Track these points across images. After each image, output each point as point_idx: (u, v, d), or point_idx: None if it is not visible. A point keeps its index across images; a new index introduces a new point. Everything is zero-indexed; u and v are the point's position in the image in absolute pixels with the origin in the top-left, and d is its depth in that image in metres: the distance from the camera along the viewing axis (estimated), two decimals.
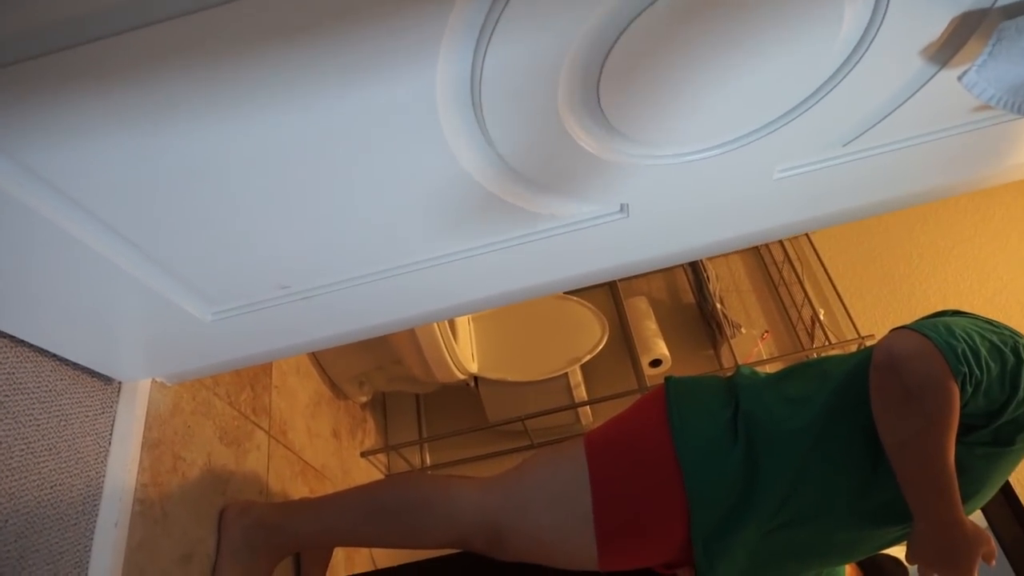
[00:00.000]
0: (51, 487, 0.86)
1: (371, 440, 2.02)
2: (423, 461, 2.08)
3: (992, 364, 0.92)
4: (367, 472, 1.92)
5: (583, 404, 1.94)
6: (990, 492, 1.04)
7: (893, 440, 0.94)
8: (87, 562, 0.88)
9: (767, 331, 2.03)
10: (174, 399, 1.12)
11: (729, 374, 1.20)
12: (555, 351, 1.97)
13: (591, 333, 1.99)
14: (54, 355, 0.91)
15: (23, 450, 0.83)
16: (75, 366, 0.94)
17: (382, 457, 2.03)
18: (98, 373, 0.98)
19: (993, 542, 0.94)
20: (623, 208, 0.84)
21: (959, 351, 0.90)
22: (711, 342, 2.10)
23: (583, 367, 1.97)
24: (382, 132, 0.65)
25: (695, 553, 1.07)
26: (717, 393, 1.14)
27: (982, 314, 1.06)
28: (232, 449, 1.27)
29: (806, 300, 1.97)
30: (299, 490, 1.48)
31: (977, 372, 0.90)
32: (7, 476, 0.80)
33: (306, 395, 1.66)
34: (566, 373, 1.93)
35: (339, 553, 1.60)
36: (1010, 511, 1.70)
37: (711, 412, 1.10)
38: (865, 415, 0.98)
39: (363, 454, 1.92)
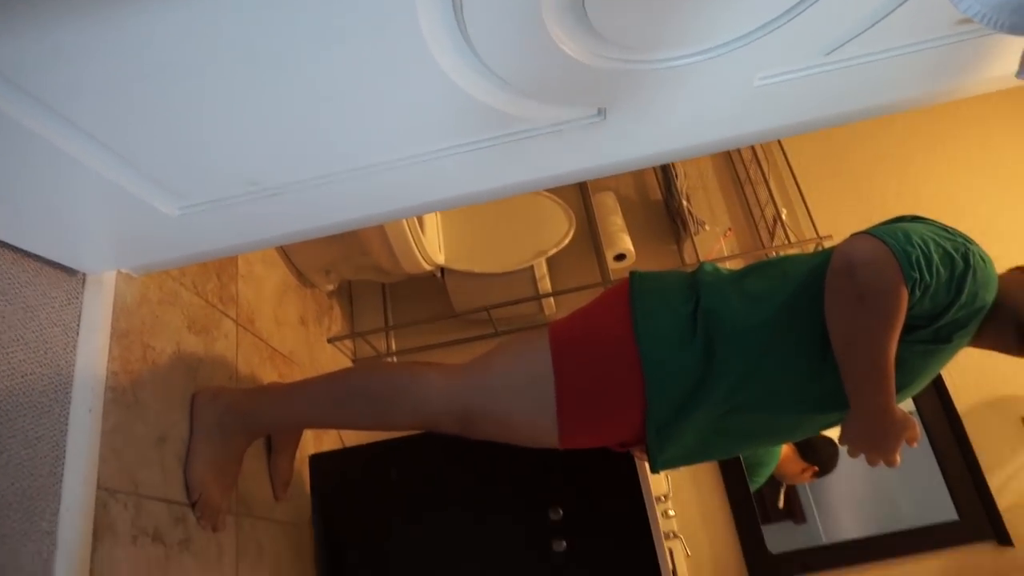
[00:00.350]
0: (22, 376, 0.86)
1: (337, 327, 2.04)
2: (389, 347, 2.13)
3: (942, 270, 0.97)
4: (334, 358, 1.96)
5: (547, 296, 1.98)
6: (924, 383, 1.12)
7: (841, 339, 0.99)
8: (64, 445, 0.90)
9: (730, 229, 2.07)
10: (141, 290, 1.11)
11: (692, 270, 1.23)
12: (522, 243, 1.99)
13: (558, 226, 2.00)
14: (13, 247, 0.88)
15: None
16: (37, 258, 0.92)
17: (349, 343, 2.06)
18: (61, 265, 0.96)
19: (918, 427, 1.03)
20: (600, 112, 0.83)
21: (913, 258, 0.94)
22: (675, 238, 2.13)
23: (548, 259, 2.00)
24: (357, 20, 0.61)
25: (647, 437, 1.14)
26: (680, 289, 1.17)
27: (937, 219, 1.10)
28: (201, 337, 1.27)
29: (770, 199, 2.00)
30: (268, 375, 1.51)
31: (927, 278, 0.95)
32: None
33: (272, 284, 1.66)
34: (532, 265, 1.96)
35: (308, 432, 1.66)
36: (938, 398, 1.84)
37: (673, 308, 1.13)
38: (819, 315, 1.03)
39: (330, 340, 1.95)
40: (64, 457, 0.89)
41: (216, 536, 1.15)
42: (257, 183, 0.84)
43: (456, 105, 0.75)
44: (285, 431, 1.38)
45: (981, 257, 1.03)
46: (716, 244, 2.02)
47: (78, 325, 0.97)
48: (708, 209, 2.14)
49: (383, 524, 1.48)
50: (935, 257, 0.96)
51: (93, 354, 0.98)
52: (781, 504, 1.85)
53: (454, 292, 2.02)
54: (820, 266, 1.07)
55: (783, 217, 1.92)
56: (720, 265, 1.23)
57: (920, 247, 0.96)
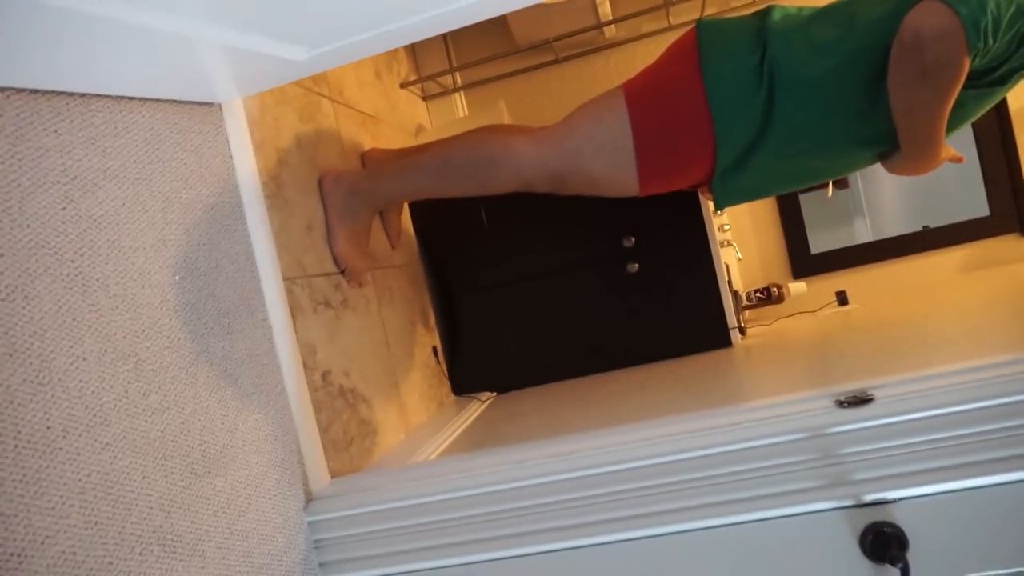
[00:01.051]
0: (211, 208, 1.06)
1: (405, 70, 2.11)
2: (455, 83, 2.20)
3: (1009, 31, 1.01)
4: (409, 102, 2.07)
5: (607, 24, 1.98)
6: (979, 115, 1.23)
7: (902, 105, 1.09)
8: (253, 255, 1.13)
9: None
10: (259, 100, 1.24)
11: (761, 12, 1.26)
12: None
13: None
14: (169, 100, 1.00)
15: (184, 187, 1.01)
16: (184, 103, 1.05)
17: (419, 87, 2.15)
18: (204, 103, 1.08)
19: (961, 156, 1.22)
20: None
21: (982, 26, 0.98)
22: None
23: None
24: None
25: (713, 179, 1.31)
26: (747, 38, 1.22)
27: None
28: (310, 125, 1.42)
29: None
30: (365, 140, 1.67)
31: (991, 43, 1.00)
32: (186, 211, 1.00)
33: None
34: None
35: None
36: (996, 117, 1.90)
37: (740, 59, 1.21)
38: (876, 66, 1.11)
39: (402, 86, 2.04)
40: (255, 262, 1.13)
41: (363, 291, 1.45)
42: (375, 28, 0.92)
43: None
44: (399, 201, 1.59)
45: None
46: None
47: (229, 150, 1.13)
48: None
49: (478, 253, 1.77)
50: (1004, 20, 0.99)
51: (247, 171, 1.15)
52: (830, 193, 2.02)
53: (515, 24, 2.02)
54: (886, 17, 1.10)
55: None
56: (789, 7, 1.25)
57: (992, 13, 0.98)
